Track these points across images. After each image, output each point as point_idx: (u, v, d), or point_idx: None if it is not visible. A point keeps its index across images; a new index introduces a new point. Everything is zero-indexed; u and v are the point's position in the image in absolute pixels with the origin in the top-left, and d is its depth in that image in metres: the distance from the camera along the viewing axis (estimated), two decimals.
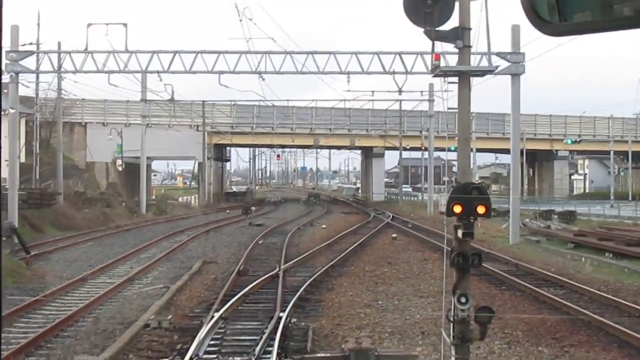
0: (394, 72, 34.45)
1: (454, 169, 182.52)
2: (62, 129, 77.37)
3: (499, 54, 33.11)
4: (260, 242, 33.62)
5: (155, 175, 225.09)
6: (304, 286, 19.40)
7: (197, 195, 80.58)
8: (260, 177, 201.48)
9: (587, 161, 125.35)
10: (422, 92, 49.16)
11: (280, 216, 56.24)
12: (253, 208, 46.90)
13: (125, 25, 34.49)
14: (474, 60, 39.11)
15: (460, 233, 10.13)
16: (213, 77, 34.97)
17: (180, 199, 75.40)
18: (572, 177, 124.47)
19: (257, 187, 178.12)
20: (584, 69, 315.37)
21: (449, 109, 75.08)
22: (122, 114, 72.81)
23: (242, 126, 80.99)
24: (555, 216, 49.05)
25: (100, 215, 46.06)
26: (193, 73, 34.26)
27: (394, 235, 35.78)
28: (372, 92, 51.04)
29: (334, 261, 25.18)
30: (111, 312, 16.66)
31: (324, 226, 43.15)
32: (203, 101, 74.61)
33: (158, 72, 35.07)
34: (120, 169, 61.82)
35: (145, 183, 55.49)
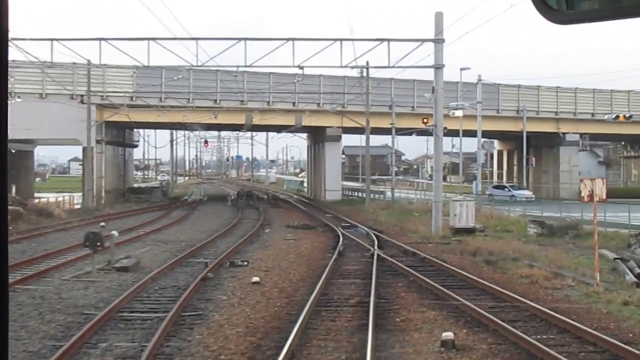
0: None
1: (402, 157, 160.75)
2: None
3: None
4: None
5: (81, 164, 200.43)
6: None
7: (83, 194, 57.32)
8: (191, 167, 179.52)
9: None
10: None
11: (184, 236, 33.28)
12: (115, 233, 23.13)
13: None
14: None
15: None
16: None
17: (46, 200, 51.33)
18: None
19: (186, 179, 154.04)
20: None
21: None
22: None
23: (145, 97, 57.63)
24: None
25: None
26: None
27: (448, 335, 12.78)
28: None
29: None
30: None
31: (255, 279, 19.79)
32: (88, 61, 50.16)
33: None
34: None
35: None
